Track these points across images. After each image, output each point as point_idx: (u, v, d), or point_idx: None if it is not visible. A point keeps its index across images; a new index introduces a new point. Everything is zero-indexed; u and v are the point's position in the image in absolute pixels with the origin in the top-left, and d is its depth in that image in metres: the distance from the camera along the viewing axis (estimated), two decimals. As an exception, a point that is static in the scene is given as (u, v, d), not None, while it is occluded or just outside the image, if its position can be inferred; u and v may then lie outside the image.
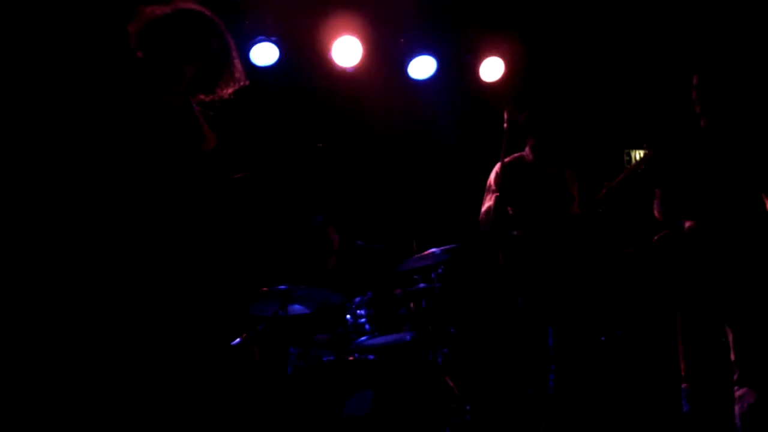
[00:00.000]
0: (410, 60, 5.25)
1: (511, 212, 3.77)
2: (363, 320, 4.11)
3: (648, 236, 3.40)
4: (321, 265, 4.92)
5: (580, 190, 3.94)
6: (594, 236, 3.91)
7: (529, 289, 3.71)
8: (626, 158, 3.51)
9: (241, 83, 2.55)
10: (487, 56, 5.30)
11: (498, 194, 3.70)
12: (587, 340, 4.24)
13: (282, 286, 3.77)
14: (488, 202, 3.84)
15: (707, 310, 3.07)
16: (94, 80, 2.26)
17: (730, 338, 3.03)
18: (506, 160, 3.87)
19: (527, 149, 3.95)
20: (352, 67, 5.15)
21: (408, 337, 4.23)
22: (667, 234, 3.23)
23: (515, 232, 3.75)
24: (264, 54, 4.89)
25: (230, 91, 2.54)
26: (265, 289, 3.78)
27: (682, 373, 3.12)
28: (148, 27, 2.36)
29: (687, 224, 3.14)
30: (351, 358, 3.98)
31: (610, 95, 5.21)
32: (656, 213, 3.39)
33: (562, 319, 3.64)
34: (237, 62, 2.52)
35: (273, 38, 4.87)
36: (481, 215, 3.89)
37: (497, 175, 3.87)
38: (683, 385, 3.11)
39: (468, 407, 4.04)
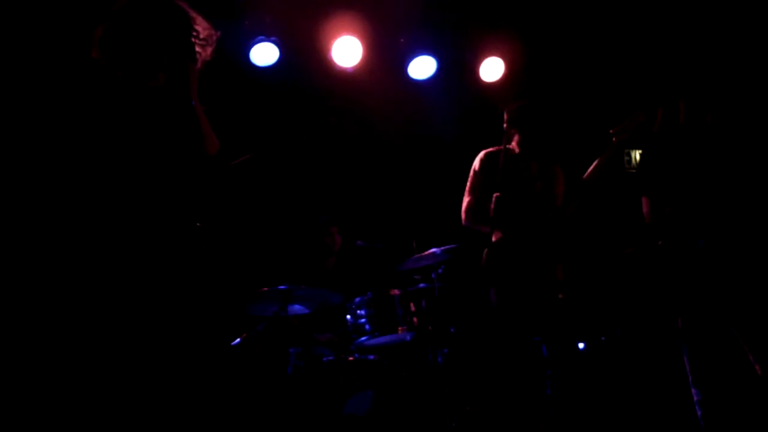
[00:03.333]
0: (410, 60, 5.25)
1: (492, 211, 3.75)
2: (363, 320, 4.11)
3: (644, 238, 3.38)
4: (321, 265, 4.95)
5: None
6: (578, 223, 3.88)
7: (508, 286, 3.69)
8: (626, 158, 3.50)
9: (214, 37, 2.50)
10: (487, 56, 5.30)
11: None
12: (578, 342, 4.23)
13: (282, 286, 3.77)
14: (472, 195, 3.83)
15: (711, 314, 3.03)
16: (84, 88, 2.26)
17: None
18: (490, 150, 3.89)
19: (513, 143, 3.96)
20: (352, 67, 5.15)
21: (408, 337, 4.23)
22: (666, 238, 3.20)
23: (496, 235, 3.74)
24: (264, 54, 4.89)
25: (210, 51, 2.50)
26: (265, 289, 3.78)
27: (690, 379, 3.08)
28: (110, 33, 2.33)
29: (682, 228, 3.10)
30: (351, 358, 3.98)
31: (610, 95, 5.21)
32: (648, 219, 3.33)
33: (549, 322, 3.63)
34: (199, 19, 2.47)
35: (273, 38, 4.87)
36: (464, 210, 3.87)
37: (481, 162, 3.88)
38: (693, 391, 3.07)
39: (468, 407, 4.04)
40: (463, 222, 3.91)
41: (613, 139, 3.56)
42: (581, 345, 4.38)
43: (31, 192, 2.26)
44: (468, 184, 3.95)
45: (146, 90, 2.32)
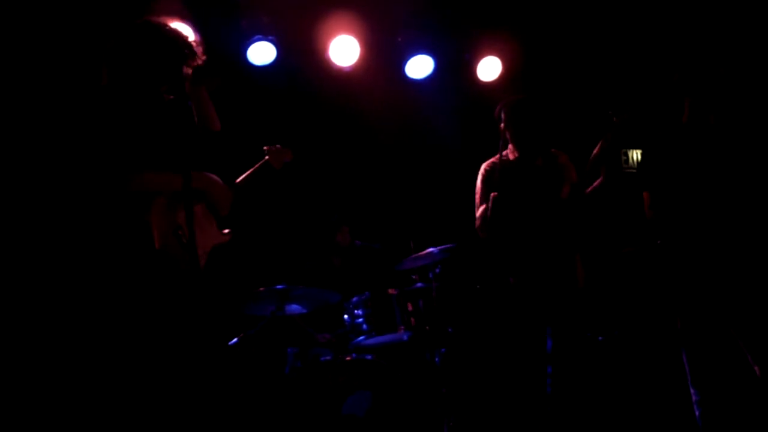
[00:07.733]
0: (408, 59, 5.24)
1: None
2: (360, 320, 4.10)
3: (645, 236, 3.38)
4: (328, 263, 4.94)
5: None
6: (586, 216, 3.87)
7: (522, 279, 3.69)
8: (623, 158, 3.50)
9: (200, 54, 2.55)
10: (484, 55, 5.30)
11: (496, 194, 3.69)
12: (584, 340, 4.24)
13: (279, 286, 3.75)
14: (482, 207, 3.84)
15: (710, 314, 3.03)
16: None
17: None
18: (487, 163, 3.91)
19: (510, 145, 3.94)
20: (349, 67, 5.15)
21: (405, 337, 4.22)
22: (665, 237, 3.19)
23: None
24: (261, 53, 4.89)
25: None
26: (262, 288, 3.77)
27: (689, 379, 3.08)
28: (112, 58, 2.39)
29: (682, 228, 3.09)
30: (348, 358, 3.97)
31: (609, 95, 5.21)
32: (649, 215, 3.33)
33: (558, 317, 3.63)
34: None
35: (270, 37, 4.86)
36: (477, 221, 3.89)
37: (484, 176, 3.88)
38: (691, 391, 3.07)
39: (466, 407, 4.03)
40: (480, 236, 3.92)
41: (614, 119, 3.54)
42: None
43: (46, 193, 2.28)
44: (476, 198, 3.96)
45: (158, 98, 2.39)
